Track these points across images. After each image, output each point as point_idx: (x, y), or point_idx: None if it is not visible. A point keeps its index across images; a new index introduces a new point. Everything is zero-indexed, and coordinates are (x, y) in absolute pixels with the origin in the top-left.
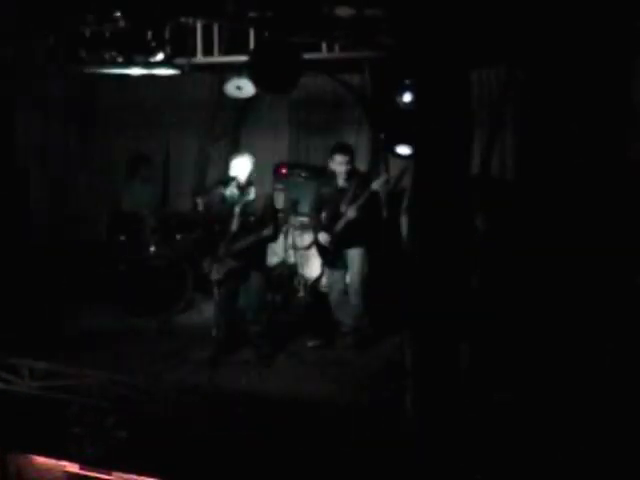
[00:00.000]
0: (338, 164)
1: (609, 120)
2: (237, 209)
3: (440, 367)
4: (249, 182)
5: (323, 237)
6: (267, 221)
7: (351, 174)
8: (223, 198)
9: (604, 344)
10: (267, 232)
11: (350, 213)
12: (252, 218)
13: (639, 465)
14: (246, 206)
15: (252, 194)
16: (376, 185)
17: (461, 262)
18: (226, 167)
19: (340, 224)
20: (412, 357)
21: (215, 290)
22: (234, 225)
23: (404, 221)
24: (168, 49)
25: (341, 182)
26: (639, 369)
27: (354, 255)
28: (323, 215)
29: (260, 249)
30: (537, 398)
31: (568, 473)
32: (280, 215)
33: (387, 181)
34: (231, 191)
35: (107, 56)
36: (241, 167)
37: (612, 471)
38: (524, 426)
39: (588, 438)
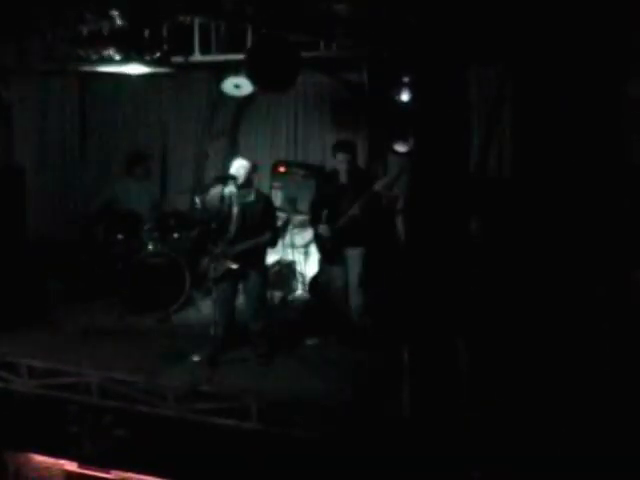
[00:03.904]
0: (340, 162)
1: (607, 118)
2: (236, 209)
3: (437, 364)
4: (249, 183)
5: (323, 229)
6: (266, 227)
7: (353, 172)
8: (222, 197)
9: (600, 342)
10: (265, 239)
11: (354, 211)
12: (251, 221)
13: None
14: (245, 208)
15: (252, 196)
16: (378, 186)
17: (457, 260)
18: (224, 165)
19: (342, 221)
20: (409, 354)
21: (213, 288)
22: (233, 226)
23: (400, 221)
24: (166, 47)
25: (343, 180)
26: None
27: (354, 254)
28: (324, 212)
29: (259, 250)
30: (533, 393)
31: (565, 469)
32: (279, 224)
33: (390, 183)
34: (230, 190)
35: (105, 54)
36: (240, 168)
37: (610, 469)
38: (522, 422)
39: (587, 433)
